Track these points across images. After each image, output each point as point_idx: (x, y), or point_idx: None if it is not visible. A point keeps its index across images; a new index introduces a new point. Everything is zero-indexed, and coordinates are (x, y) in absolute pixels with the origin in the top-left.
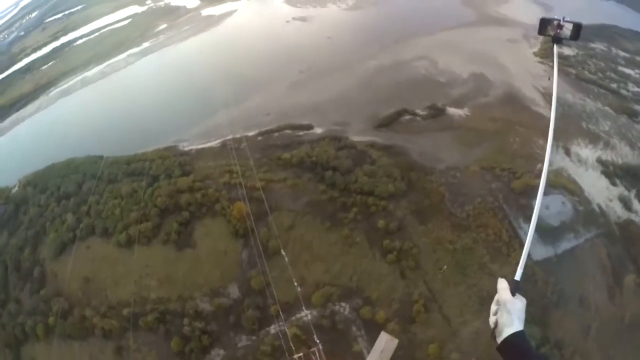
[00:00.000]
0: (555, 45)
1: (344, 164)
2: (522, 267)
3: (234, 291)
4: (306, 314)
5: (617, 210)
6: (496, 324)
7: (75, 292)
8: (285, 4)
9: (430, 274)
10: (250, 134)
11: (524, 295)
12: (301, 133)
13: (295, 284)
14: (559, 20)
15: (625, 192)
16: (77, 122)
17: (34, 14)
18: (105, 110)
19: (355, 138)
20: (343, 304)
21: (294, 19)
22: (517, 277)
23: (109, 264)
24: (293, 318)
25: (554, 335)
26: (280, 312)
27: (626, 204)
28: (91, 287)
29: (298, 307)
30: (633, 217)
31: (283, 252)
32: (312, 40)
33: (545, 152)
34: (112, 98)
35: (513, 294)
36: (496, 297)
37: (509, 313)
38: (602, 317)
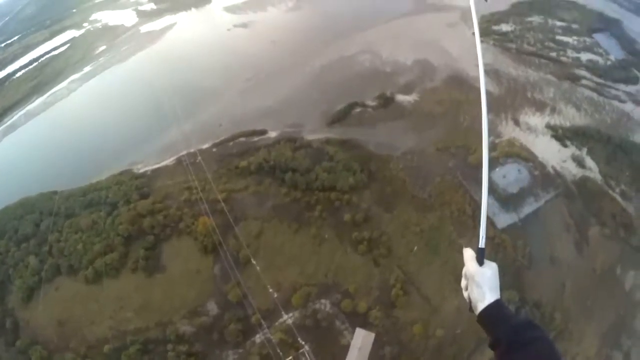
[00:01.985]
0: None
1: (302, 164)
2: (484, 233)
3: (212, 308)
4: (288, 317)
5: (572, 170)
6: (469, 298)
7: (52, 338)
8: (225, 12)
9: (403, 258)
10: (205, 146)
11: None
12: (256, 139)
13: (271, 290)
14: None
15: (577, 152)
16: (25, 159)
17: None
18: (53, 142)
19: (311, 137)
20: (323, 301)
21: (235, 26)
22: (481, 244)
23: (81, 302)
24: (276, 323)
25: (531, 296)
26: (262, 321)
27: (579, 163)
28: (67, 329)
29: (279, 312)
30: (588, 173)
31: (254, 261)
32: (256, 45)
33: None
34: (59, 128)
35: (481, 263)
36: (464, 270)
37: (479, 286)
38: (574, 272)
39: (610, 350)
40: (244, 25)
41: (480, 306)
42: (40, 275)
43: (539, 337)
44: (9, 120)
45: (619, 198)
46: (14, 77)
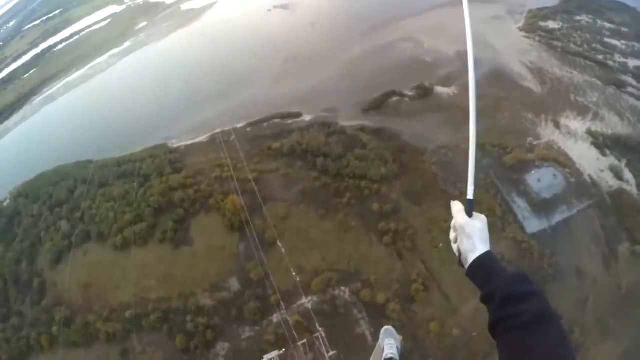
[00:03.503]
0: None
1: (335, 149)
2: (472, 183)
3: (234, 284)
4: (307, 301)
5: (609, 180)
6: (459, 251)
7: (77, 300)
8: None
9: (427, 253)
10: (239, 125)
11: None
12: (290, 121)
13: (294, 273)
14: None
15: (616, 162)
16: (63, 128)
17: (11, 23)
18: (90, 113)
19: (345, 123)
20: (343, 289)
21: (275, 7)
22: (469, 195)
23: (107, 268)
24: (294, 306)
25: (553, 306)
26: (281, 301)
27: (617, 174)
28: (92, 292)
29: (298, 295)
30: (624, 186)
31: (279, 244)
32: (296, 28)
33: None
34: (97, 101)
35: (470, 215)
36: (452, 223)
37: (469, 237)
38: (599, 287)
39: None
40: (285, 7)
41: (471, 257)
42: (71, 239)
43: (534, 292)
44: (49, 91)
45: None
46: (55, 49)
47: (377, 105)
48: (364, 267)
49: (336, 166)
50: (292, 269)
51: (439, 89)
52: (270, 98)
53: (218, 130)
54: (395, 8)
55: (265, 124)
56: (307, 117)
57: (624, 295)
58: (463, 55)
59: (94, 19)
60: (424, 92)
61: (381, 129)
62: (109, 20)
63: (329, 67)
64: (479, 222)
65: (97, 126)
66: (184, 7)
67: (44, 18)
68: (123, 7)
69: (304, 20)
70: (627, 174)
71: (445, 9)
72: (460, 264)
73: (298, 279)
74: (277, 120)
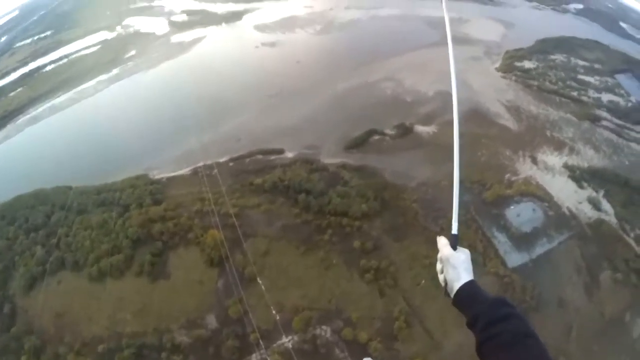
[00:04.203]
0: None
1: (316, 186)
2: (457, 219)
3: (211, 321)
4: (287, 340)
5: (587, 212)
6: (445, 281)
7: (48, 329)
8: (254, 29)
9: (409, 290)
10: (222, 160)
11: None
12: (273, 157)
13: (274, 311)
14: None
15: (594, 194)
16: (45, 151)
17: (2, 39)
18: (74, 138)
19: (327, 160)
20: (324, 327)
21: (263, 44)
22: (454, 231)
23: (81, 298)
24: (274, 345)
25: None
26: (260, 340)
27: (595, 205)
28: (64, 322)
29: (278, 334)
30: (603, 216)
31: (259, 280)
32: (282, 65)
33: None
34: (81, 126)
35: (454, 248)
36: (439, 255)
37: (454, 268)
38: (582, 316)
39: None
40: (272, 44)
41: (456, 286)
42: (45, 266)
43: (514, 314)
44: (34, 112)
45: (633, 243)
46: (44, 70)
47: (359, 143)
48: (346, 304)
49: (318, 203)
50: (272, 307)
51: (419, 128)
52: (253, 132)
53: (201, 164)
54: (379, 48)
55: (248, 160)
56: (289, 154)
57: (608, 322)
58: (443, 95)
59: (85, 43)
60: (405, 131)
61: (363, 167)
62: (100, 45)
63: (313, 104)
64: (463, 254)
65: (80, 152)
66: (174, 39)
67: (36, 37)
68: (114, 34)
69: (290, 57)
70: (605, 205)
71: (426, 49)
72: (447, 294)
73: (278, 317)
74: (259, 156)
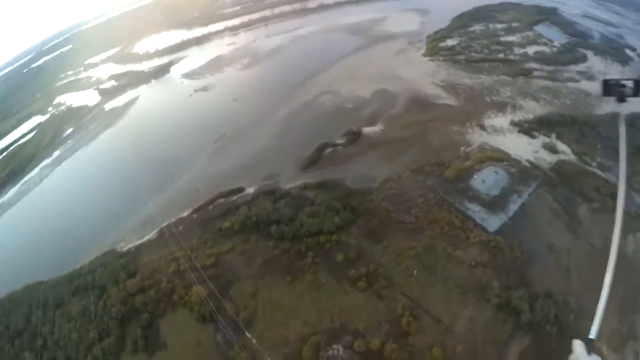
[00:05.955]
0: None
1: (285, 213)
2: (598, 324)
3: None
4: None
5: (546, 158)
6: None
7: None
8: (184, 78)
9: (404, 285)
10: (185, 214)
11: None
12: (235, 197)
13: (281, 346)
14: (619, 80)
15: (547, 140)
16: (6, 253)
17: None
18: (31, 232)
19: (288, 185)
20: (335, 347)
21: (196, 91)
22: (592, 335)
23: None
24: None
25: (540, 289)
26: None
27: (551, 149)
28: None
29: None
30: (562, 157)
31: (248, 335)
32: (219, 106)
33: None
34: (36, 217)
35: (589, 353)
36: (571, 357)
37: None
38: (574, 254)
39: (631, 316)
40: (205, 89)
41: None
42: None
43: None
44: None
45: (598, 171)
46: None
47: (314, 160)
48: (348, 318)
49: (291, 229)
50: (277, 344)
51: (367, 130)
52: (209, 179)
53: (165, 224)
54: (308, 65)
55: (211, 207)
56: (250, 189)
57: (600, 251)
58: (380, 93)
59: (21, 132)
60: (354, 137)
61: (324, 182)
62: (36, 130)
63: (260, 136)
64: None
65: (41, 244)
66: (107, 106)
67: None
68: (47, 116)
69: (226, 97)
70: (561, 146)
71: (353, 56)
72: None
73: (286, 352)
74: (221, 200)
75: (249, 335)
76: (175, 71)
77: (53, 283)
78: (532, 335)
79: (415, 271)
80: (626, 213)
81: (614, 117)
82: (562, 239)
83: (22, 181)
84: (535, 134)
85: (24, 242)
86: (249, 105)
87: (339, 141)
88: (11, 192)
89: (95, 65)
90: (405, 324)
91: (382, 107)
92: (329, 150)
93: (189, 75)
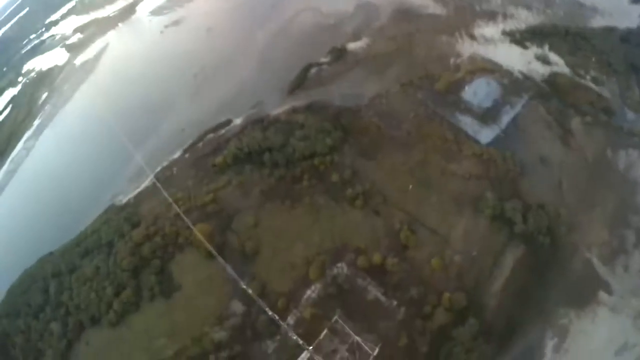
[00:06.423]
0: None
1: (276, 140)
2: None
3: (237, 307)
4: (312, 291)
5: (539, 69)
6: None
7: None
8: (152, 15)
9: (400, 200)
10: (176, 156)
11: None
12: (223, 131)
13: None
14: None
15: (539, 51)
16: (10, 232)
17: None
18: (30, 207)
19: (276, 112)
20: (339, 265)
21: (166, 26)
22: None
23: (113, 347)
24: (302, 301)
25: (532, 200)
26: (289, 303)
27: (544, 61)
28: None
29: (302, 289)
30: (555, 68)
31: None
32: (193, 39)
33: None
34: (31, 192)
35: None
36: None
37: None
38: (566, 167)
39: (622, 230)
40: (176, 23)
41: None
42: (67, 337)
43: None
44: None
45: (591, 85)
46: None
47: (300, 83)
48: (349, 236)
49: (283, 155)
50: (284, 268)
51: (352, 45)
52: (194, 117)
53: (158, 169)
54: None
55: (201, 144)
56: (237, 121)
57: (593, 165)
58: (362, 6)
59: None
60: (339, 54)
61: (312, 104)
62: (11, 105)
63: (241, 65)
64: None
65: (43, 216)
66: (78, 61)
67: None
68: (19, 87)
69: (199, 29)
70: (554, 57)
71: None
72: None
73: (293, 275)
74: (210, 136)
75: (261, 250)
76: (142, 9)
77: (62, 250)
78: (526, 245)
79: (410, 186)
80: (619, 129)
81: (608, 30)
82: (554, 152)
83: (9, 160)
84: (528, 44)
85: (26, 219)
86: (225, 34)
87: (324, 60)
88: (1, 172)
89: (56, 22)
90: (404, 238)
91: (365, 21)
92: (314, 70)
93: (157, 12)
